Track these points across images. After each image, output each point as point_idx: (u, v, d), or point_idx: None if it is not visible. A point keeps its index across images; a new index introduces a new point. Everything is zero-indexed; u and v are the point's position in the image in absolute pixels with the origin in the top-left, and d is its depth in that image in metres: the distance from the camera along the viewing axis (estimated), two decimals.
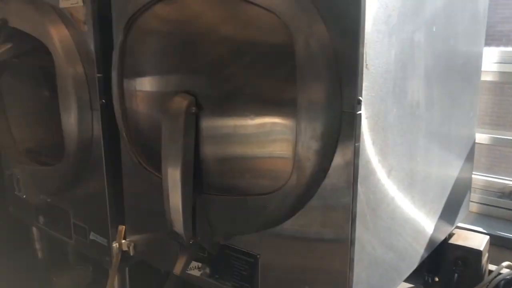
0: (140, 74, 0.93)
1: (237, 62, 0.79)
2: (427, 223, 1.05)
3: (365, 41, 0.71)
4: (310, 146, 0.74)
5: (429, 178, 1.02)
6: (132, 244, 1.15)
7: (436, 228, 1.09)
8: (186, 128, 0.82)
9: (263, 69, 0.77)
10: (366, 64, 0.73)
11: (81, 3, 1.06)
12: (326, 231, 0.80)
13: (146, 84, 0.93)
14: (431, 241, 1.08)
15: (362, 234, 0.79)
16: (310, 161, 0.75)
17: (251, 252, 0.90)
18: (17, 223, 1.53)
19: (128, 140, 1.00)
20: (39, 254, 1.62)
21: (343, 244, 0.78)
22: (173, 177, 0.83)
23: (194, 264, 0.98)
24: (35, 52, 1.21)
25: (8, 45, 1.21)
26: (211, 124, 0.84)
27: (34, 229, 1.57)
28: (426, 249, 1.07)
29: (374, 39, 0.74)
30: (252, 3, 0.74)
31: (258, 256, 0.89)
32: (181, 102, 0.82)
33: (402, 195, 0.91)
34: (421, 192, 0.99)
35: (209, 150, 0.86)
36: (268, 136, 0.79)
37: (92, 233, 1.27)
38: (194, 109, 0.82)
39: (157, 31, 0.89)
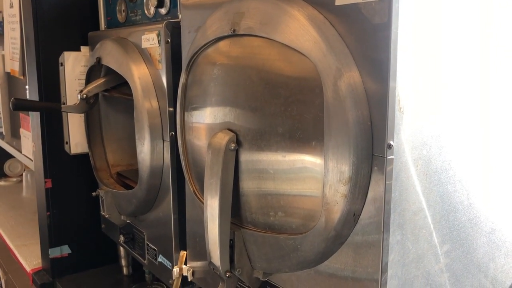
0: (196, 108, 0.99)
1: (273, 101, 0.81)
2: None
3: (398, 84, 0.69)
4: (337, 189, 0.73)
5: None
6: (191, 270, 1.20)
7: None
8: (224, 163, 0.85)
9: (296, 109, 0.78)
10: (400, 107, 0.70)
11: (157, 44, 1.16)
12: (358, 276, 0.76)
13: (199, 117, 0.98)
14: None
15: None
16: (338, 205, 0.73)
17: None
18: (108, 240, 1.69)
19: (187, 170, 1.06)
20: (124, 271, 1.76)
21: None
22: (212, 209, 0.87)
23: None
24: (123, 86, 1.36)
25: (101, 80, 1.37)
26: (250, 159, 0.86)
27: (121, 247, 1.71)
28: None
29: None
30: (288, 46, 0.76)
31: None
32: (222, 138, 0.86)
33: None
34: None
35: (248, 185, 0.88)
36: (299, 173, 0.79)
37: (160, 255, 1.35)
38: (234, 145, 0.85)
39: (211, 66, 0.94)
